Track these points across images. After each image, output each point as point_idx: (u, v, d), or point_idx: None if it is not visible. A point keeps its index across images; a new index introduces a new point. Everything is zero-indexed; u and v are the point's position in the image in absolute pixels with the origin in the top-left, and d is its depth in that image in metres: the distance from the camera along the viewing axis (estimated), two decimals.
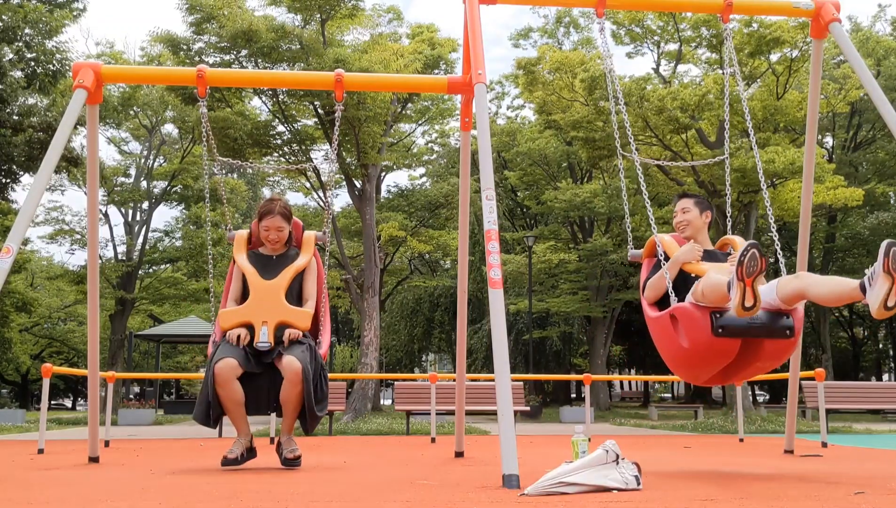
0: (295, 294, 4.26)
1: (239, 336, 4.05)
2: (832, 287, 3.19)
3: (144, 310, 30.72)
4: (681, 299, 3.72)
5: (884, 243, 2.92)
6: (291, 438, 4.15)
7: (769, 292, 3.47)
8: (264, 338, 4.04)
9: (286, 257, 4.34)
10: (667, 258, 3.92)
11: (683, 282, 3.85)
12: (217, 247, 21.54)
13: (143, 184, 25.81)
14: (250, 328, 4.10)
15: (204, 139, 4.25)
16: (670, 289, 3.78)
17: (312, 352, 4.08)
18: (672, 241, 4.10)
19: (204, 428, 6.21)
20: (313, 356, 4.06)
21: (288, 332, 4.09)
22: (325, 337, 4.37)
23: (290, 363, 3.91)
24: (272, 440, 8.27)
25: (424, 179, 29.81)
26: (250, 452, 4.16)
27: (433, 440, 8.27)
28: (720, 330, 3.41)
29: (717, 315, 3.44)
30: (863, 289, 3.02)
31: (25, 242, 22.83)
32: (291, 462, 4.06)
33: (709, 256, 4.00)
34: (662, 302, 3.95)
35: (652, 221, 4.08)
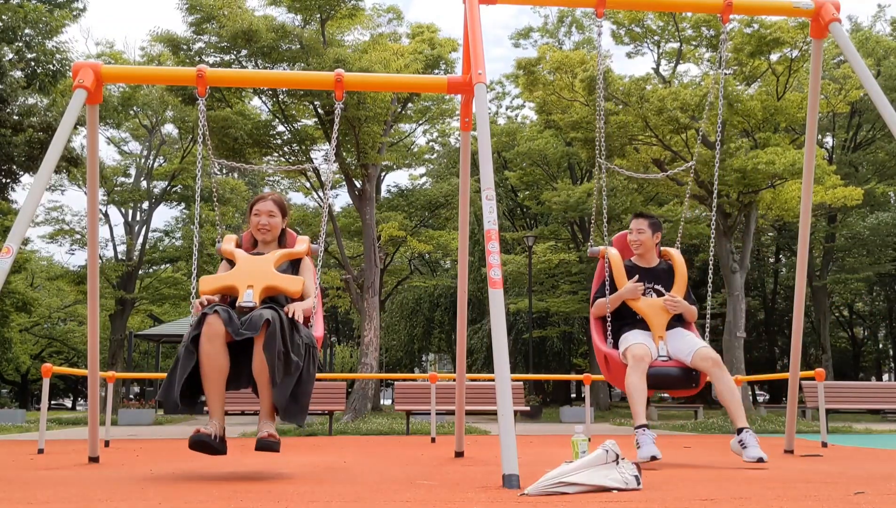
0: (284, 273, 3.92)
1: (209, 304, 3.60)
2: (729, 399, 4.24)
3: (144, 310, 30.73)
4: (617, 326, 4.59)
5: (760, 456, 4.06)
6: (271, 423, 3.51)
7: (687, 352, 4.36)
8: (249, 298, 3.62)
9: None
10: (611, 277, 4.66)
11: (623, 308, 4.63)
12: (212, 247, 21.53)
13: (143, 184, 25.82)
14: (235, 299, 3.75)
15: (200, 139, 4.19)
16: (609, 319, 4.61)
17: (292, 321, 3.55)
18: (619, 260, 4.74)
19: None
20: (293, 325, 3.53)
21: (291, 308, 3.61)
22: (318, 322, 3.99)
23: (259, 319, 3.37)
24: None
25: (424, 179, 29.82)
26: (222, 442, 3.47)
27: (433, 440, 8.27)
28: None
29: None
30: (738, 432, 4.21)
31: (25, 242, 22.82)
32: (266, 445, 3.39)
33: (649, 275, 4.69)
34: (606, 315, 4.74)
35: (605, 235, 4.76)
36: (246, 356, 3.53)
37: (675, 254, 4.80)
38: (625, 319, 4.61)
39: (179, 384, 3.39)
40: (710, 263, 5.04)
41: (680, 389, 4.43)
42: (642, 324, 4.54)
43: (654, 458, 4.01)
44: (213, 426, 3.44)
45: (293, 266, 4.10)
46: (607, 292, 4.63)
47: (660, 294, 4.65)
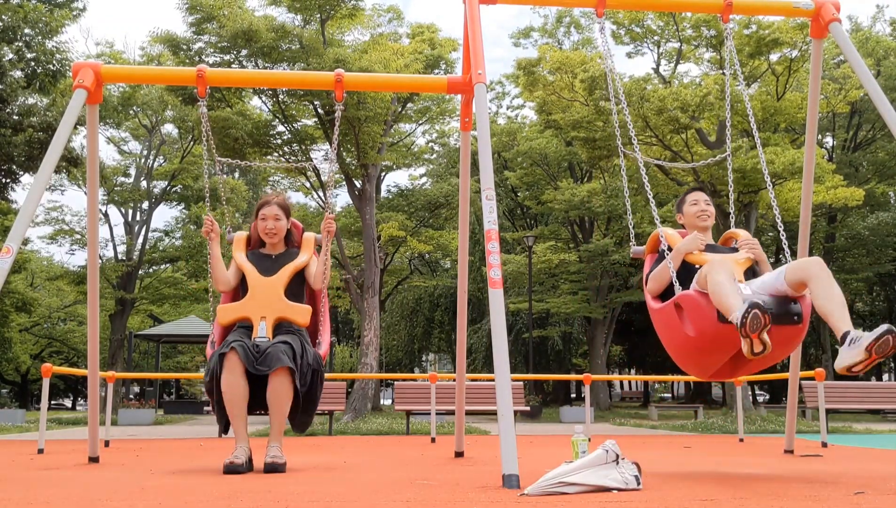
0: (295, 292, 4.19)
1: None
2: (828, 304, 3.24)
3: (144, 310, 30.73)
4: (685, 289, 3.68)
5: (883, 327, 3.00)
6: (278, 445, 3.90)
7: (777, 278, 3.46)
8: (262, 333, 3.95)
9: (285, 256, 4.30)
10: (671, 251, 3.89)
11: (687, 274, 3.79)
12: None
13: (143, 184, 25.82)
14: (249, 327, 4.04)
15: (204, 139, 4.22)
16: (674, 278, 3.74)
17: (303, 346, 3.97)
18: (675, 234, 4.08)
19: (205, 428, 6.17)
20: (304, 351, 3.94)
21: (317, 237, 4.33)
22: (325, 338, 4.27)
23: (277, 359, 3.77)
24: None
25: (424, 179, 29.81)
26: (250, 462, 3.88)
27: (433, 440, 8.27)
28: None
29: None
30: (843, 339, 3.13)
31: (25, 242, 22.83)
32: (272, 468, 3.75)
33: (711, 249, 3.97)
34: (665, 295, 3.91)
35: (656, 215, 4.08)
36: (258, 386, 3.87)
37: (740, 231, 4.16)
38: (689, 283, 3.70)
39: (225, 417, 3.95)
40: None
41: (779, 322, 3.34)
42: None
43: (754, 305, 3.07)
44: (243, 450, 3.81)
45: (302, 276, 4.34)
46: (666, 253, 3.85)
47: None
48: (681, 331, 3.59)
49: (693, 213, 4.13)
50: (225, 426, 3.98)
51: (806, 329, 3.46)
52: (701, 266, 3.68)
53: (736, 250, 3.99)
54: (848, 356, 3.08)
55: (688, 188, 4.40)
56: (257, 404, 3.97)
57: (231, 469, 3.67)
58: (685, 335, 3.56)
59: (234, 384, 3.76)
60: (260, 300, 4.07)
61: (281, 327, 4.05)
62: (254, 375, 3.83)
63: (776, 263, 31.48)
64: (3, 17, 15.47)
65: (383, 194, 26.08)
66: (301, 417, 3.98)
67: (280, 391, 3.78)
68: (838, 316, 3.21)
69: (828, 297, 3.25)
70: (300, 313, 4.08)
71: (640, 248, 4.31)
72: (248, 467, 3.80)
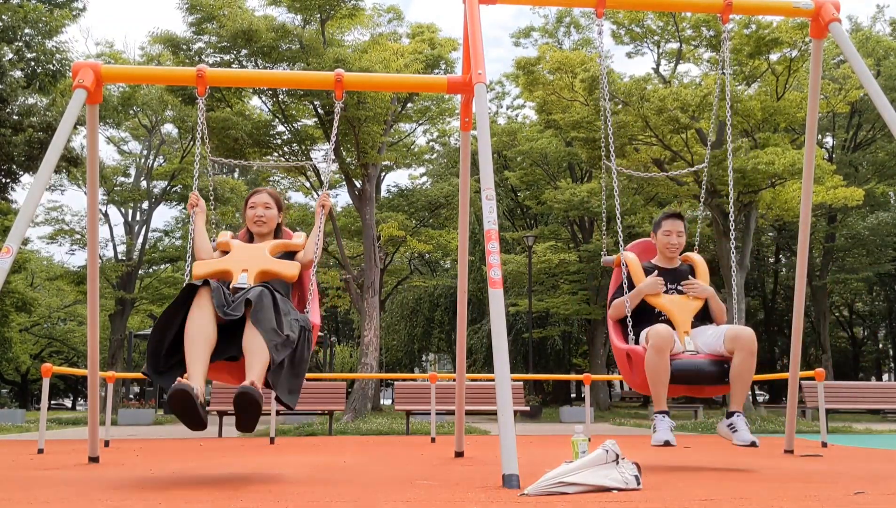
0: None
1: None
2: (738, 380, 3.90)
3: (144, 310, 30.74)
4: (638, 329, 4.24)
5: (750, 439, 3.82)
6: (257, 380, 3.10)
7: (717, 340, 4.03)
8: (243, 281, 3.56)
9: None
10: (629, 281, 4.33)
11: (644, 308, 4.30)
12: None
13: (143, 184, 25.83)
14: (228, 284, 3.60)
15: (199, 138, 4.18)
16: (629, 322, 4.24)
17: (287, 303, 3.47)
18: (636, 262, 4.46)
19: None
20: (288, 307, 3.42)
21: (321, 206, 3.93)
22: (315, 310, 3.89)
23: (252, 300, 3.19)
24: (272, 440, 8.28)
25: (424, 178, 29.83)
26: (203, 409, 3.03)
27: (433, 440, 8.27)
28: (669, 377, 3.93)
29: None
30: (729, 415, 3.98)
31: (25, 242, 22.83)
32: (244, 397, 2.95)
33: (672, 275, 4.43)
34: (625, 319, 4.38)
35: (620, 239, 4.41)
36: (237, 338, 3.26)
37: (697, 258, 4.59)
38: (646, 321, 4.25)
39: (156, 357, 3.24)
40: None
41: (711, 384, 4.03)
42: (666, 322, 4.20)
43: (667, 444, 3.86)
44: (196, 382, 3.07)
45: (289, 258, 4.05)
46: (626, 292, 4.28)
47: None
48: (630, 374, 4.22)
49: (663, 243, 4.53)
50: (155, 366, 3.21)
51: None
52: (657, 310, 4.27)
53: (692, 268, 4.54)
54: (723, 431, 3.99)
55: (667, 212, 4.64)
56: (235, 347, 3.27)
57: (178, 390, 2.90)
58: (633, 377, 4.20)
59: (197, 320, 3.15)
60: (241, 257, 3.75)
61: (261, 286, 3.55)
62: (230, 333, 3.25)
63: (776, 261, 31.50)
64: (3, 17, 15.47)
65: (383, 193, 26.09)
66: (287, 380, 3.26)
67: (257, 340, 3.15)
68: (738, 397, 3.96)
69: (741, 373, 3.88)
70: (287, 267, 3.75)
71: (610, 258, 4.72)
72: (201, 410, 2.98)
